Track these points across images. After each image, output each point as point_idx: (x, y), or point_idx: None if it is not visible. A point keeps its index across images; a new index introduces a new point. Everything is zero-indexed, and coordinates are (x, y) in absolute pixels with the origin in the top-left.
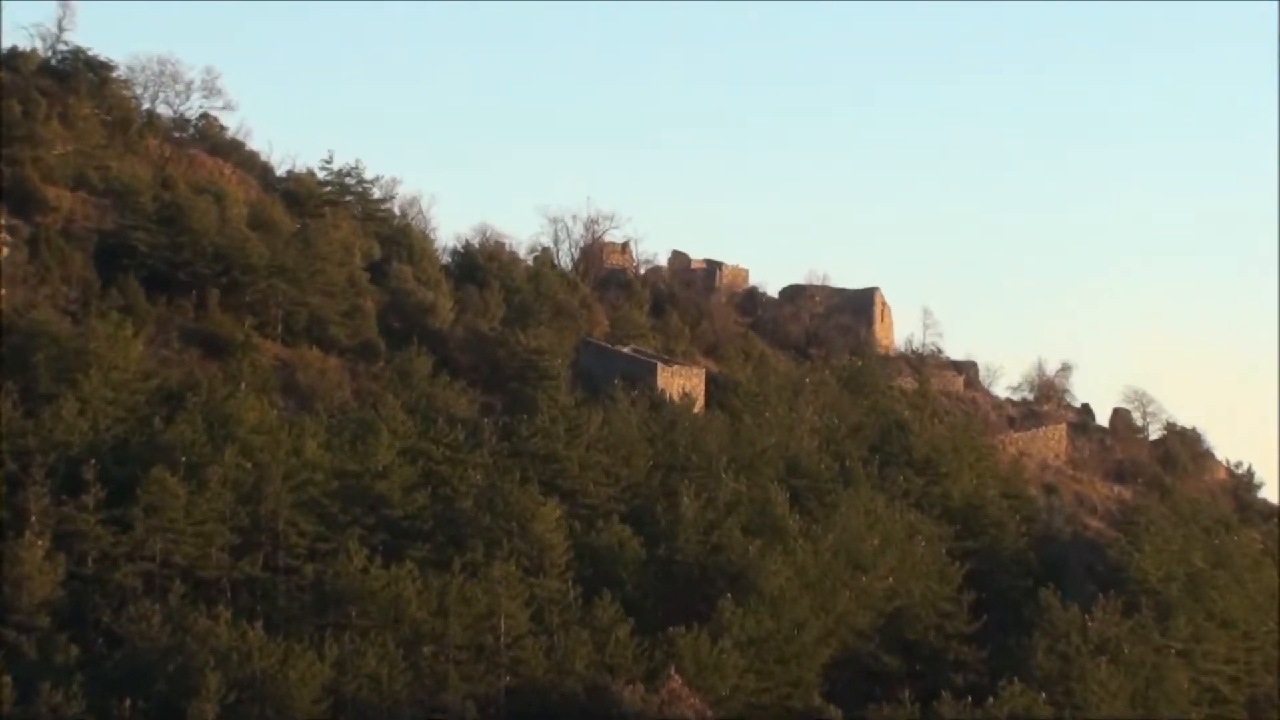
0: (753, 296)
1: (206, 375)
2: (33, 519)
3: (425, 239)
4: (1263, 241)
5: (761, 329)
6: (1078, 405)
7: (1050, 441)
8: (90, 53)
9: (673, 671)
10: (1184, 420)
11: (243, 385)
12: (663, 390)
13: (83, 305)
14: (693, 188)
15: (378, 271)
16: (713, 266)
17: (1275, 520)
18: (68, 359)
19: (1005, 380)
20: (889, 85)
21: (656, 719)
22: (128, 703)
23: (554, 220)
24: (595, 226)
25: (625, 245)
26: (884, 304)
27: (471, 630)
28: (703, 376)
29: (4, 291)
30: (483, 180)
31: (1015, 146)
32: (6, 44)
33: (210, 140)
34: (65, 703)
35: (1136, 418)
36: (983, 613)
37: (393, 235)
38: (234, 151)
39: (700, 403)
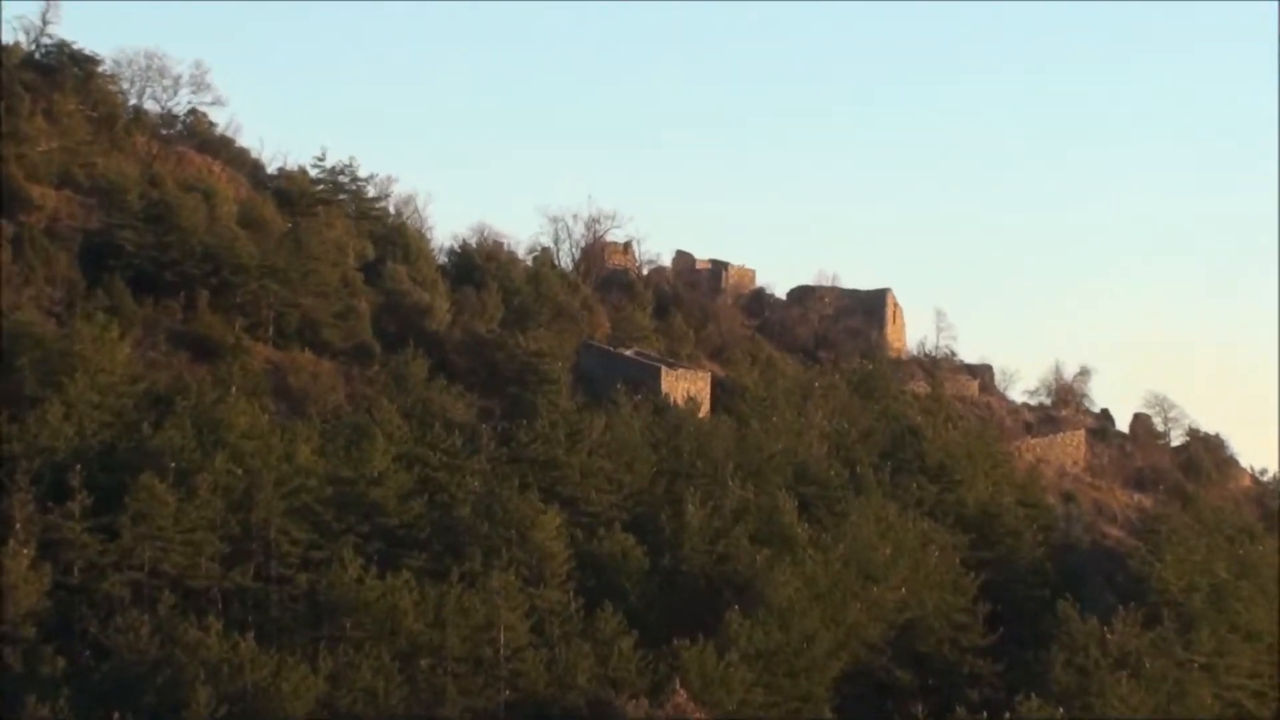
0: (760, 298)
1: (196, 379)
2: (17, 527)
3: (421, 239)
4: None
5: (769, 331)
6: (1097, 410)
7: (1068, 448)
8: (75, 47)
9: (677, 685)
10: (1207, 426)
11: (233, 389)
12: (667, 394)
13: (68, 307)
14: (697, 186)
15: (372, 272)
16: (718, 267)
17: None
18: (52, 362)
19: (1021, 384)
20: (892, 85)
21: None
22: (116, 716)
23: (554, 219)
24: (596, 226)
25: (628, 245)
26: (896, 305)
27: (470, 642)
28: (708, 380)
29: None
30: (480, 178)
31: (1022, 146)
32: None
33: (199, 137)
34: (51, 716)
35: (1157, 423)
36: (998, 625)
37: (387, 235)
38: (223, 148)
39: (706, 407)
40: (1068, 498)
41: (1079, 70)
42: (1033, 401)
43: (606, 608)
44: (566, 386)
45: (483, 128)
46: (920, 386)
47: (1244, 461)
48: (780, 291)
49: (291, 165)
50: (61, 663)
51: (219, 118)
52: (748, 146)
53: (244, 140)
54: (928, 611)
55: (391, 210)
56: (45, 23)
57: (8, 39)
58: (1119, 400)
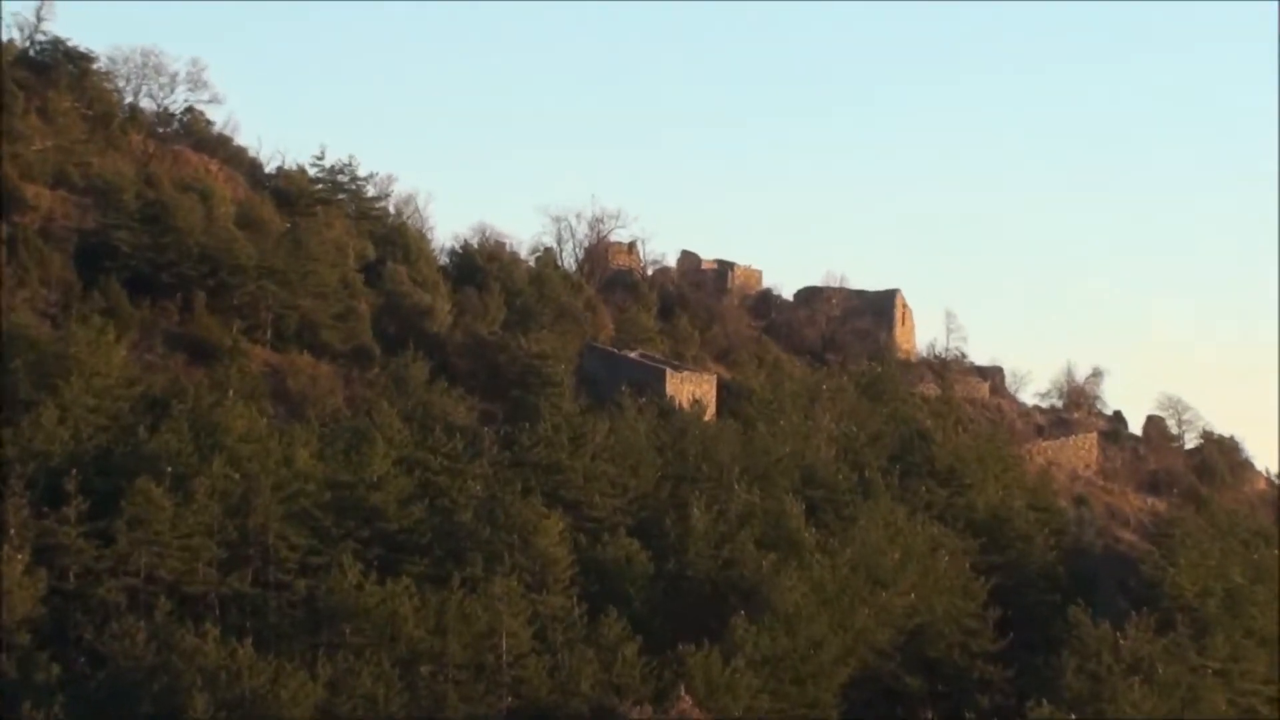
0: (766, 299)
1: (192, 382)
2: (12, 532)
3: (422, 239)
4: None
5: (776, 333)
6: (1109, 413)
7: (1080, 451)
8: (70, 44)
9: (682, 692)
10: (1221, 428)
11: (231, 392)
12: (672, 397)
13: (63, 308)
14: (702, 186)
15: (372, 273)
16: (724, 267)
17: None
18: (48, 365)
19: (1033, 386)
20: (894, 85)
21: None
22: None
23: (557, 219)
24: (600, 226)
25: (632, 245)
26: (905, 306)
27: (471, 649)
28: (714, 383)
29: None
30: (482, 178)
31: (1024, 146)
32: None
33: (196, 135)
34: None
35: (1171, 425)
36: (1009, 630)
37: (388, 235)
38: (221, 147)
39: (711, 410)
40: (1080, 501)
41: (1079, 70)
42: (1044, 404)
43: (610, 613)
44: (570, 389)
45: (483, 127)
46: (930, 389)
47: (1259, 464)
48: (787, 292)
49: (290, 164)
50: (57, 669)
51: (216, 116)
52: (752, 146)
53: (242, 139)
54: (937, 616)
55: (391, 210)
56: (40, 19)
57: (2, 36)
58: (1132, 402)
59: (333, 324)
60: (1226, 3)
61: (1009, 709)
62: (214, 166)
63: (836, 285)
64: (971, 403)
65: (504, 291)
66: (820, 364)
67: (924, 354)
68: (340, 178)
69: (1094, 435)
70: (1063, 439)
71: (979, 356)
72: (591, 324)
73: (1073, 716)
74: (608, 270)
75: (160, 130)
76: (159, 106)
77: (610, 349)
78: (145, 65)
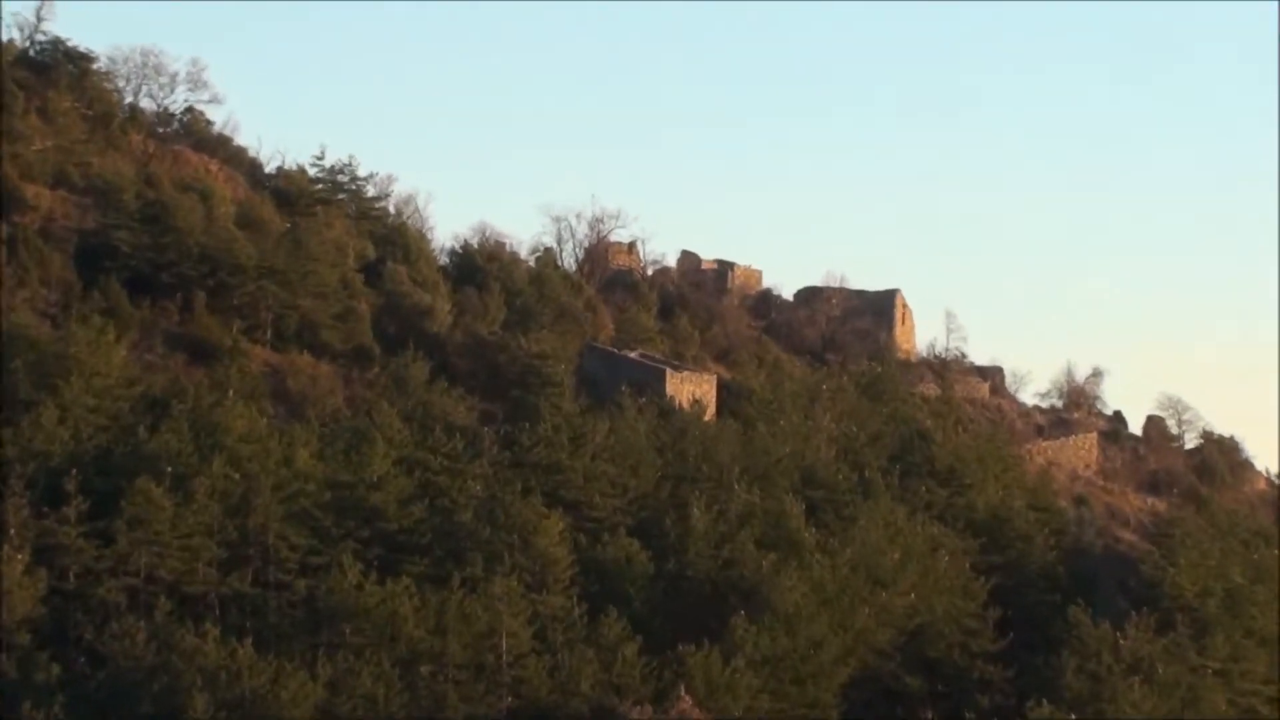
0: (766, 299)
1: (192, 382)
2: (12, 532)
3: (422, 239)
4: None
5: (776, 333)
6: (1109, 413)
7: (1080, 451)
8: (70, 44)
9: (682, 692)
10: (1221, 428)
11: (230, 392)
12: (672, 397)
13: (63, 308)
14: (702, 186)
15: (372, 273)
16: (724, 267)
17: None
18: (48, 365)
19: (1033, 386)
20: (894, 85)
21: None
22: None
23: (557, 219)
24: (600, 225)
25: (632, 245)
26: (905, 306)
27: (471, 649)
28: (714, 383)
29: None
30: (482, 178)
31: (1025, 145)
32: None
33: (196, 135)
34: None
35: (1171, 425)
36: (1009, 630)
37: (388, 235)
38: (221, 147)
39: (711, 410)
40: (1080, 501)
41: (1079, 70)
42: (1044, 404)
43: (610, 613)
44: (570, 389)
45: (483, 127)
46: (930, 389)
47: (1259, 464)
48: (787, 292)
49: (290, 164)
50: (57, 669)
51: (216, 116)
52: (752, 146)
53: (242, 139)
54: (937, 617)
55: (391, 210)
56: (40, 19)
57: (2, 36)
58: (1132, 402)
59: (333, 324)
60: (1226, 3)
61: (1009, 709)
62: (214, 166)
63: (836, 285)
64: (971, 403)
65: (504, 291)
66: (820, 364)
67: (924, 354)
68: (340, 178)
69: (1094, 435)
70: (1063, 439)
71: (979, 356)
72: (591, 324)
73: (1073, 716)
74: (608, 270)
75: (160, 130)
76: (159, 106)
77: (610, 349)
78: (145, 65)
